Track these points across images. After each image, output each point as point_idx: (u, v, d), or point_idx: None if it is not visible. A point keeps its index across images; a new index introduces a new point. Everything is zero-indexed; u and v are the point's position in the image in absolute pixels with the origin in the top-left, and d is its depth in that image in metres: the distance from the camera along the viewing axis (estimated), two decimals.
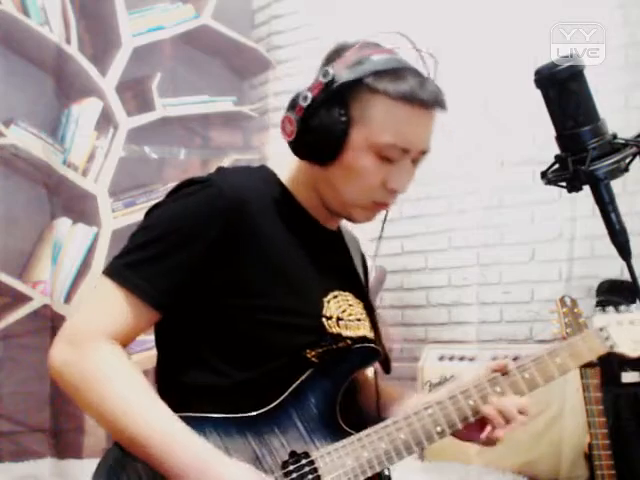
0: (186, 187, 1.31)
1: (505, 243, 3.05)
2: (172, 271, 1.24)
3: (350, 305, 1.36)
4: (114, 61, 3.06)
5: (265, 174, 1.38)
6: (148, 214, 1.33)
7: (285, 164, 1.38)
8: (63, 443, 2.86)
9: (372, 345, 1.36)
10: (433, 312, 3.13)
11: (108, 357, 1.22)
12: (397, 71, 1.28)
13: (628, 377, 2.54)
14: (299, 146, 1.30)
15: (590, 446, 2.34)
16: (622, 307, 1.55)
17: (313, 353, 1.29)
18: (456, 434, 1.34)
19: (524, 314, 2.99)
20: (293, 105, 1.29)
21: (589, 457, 2.37)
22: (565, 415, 2.72)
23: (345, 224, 1.46)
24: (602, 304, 1.61)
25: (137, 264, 1.25)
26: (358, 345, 1.33)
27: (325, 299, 1.32)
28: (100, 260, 2.95)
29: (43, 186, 2.96)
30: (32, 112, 2.94)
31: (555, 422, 2.74)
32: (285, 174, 1.38)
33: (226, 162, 3.22)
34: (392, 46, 1.32)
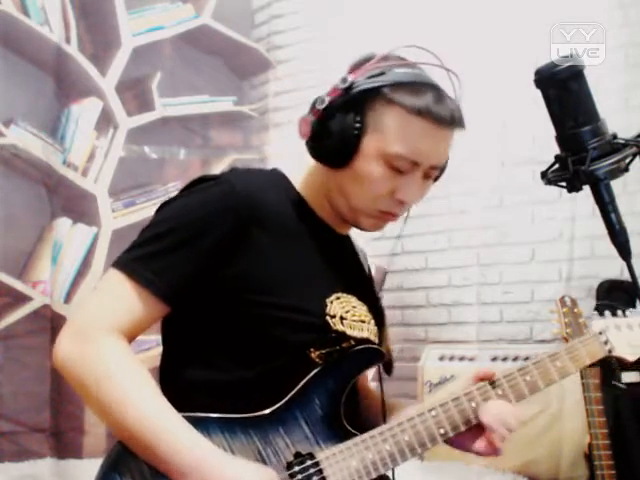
0: (198, 184, 1.32)
1: (505, 243, 3.05)
2: (181, 265, 1.25)
3: (354, 307, 1.36)
4: (114, 61, 3.06)
5: (277, 176, 1.41)
6: (159, 210, 1.33)
7: (297, 168, 1.40)
8: (63, 443, 2.86)
9: (376, 346, 1.36)
10: (433, 312, 3.13)
11: (114, 353, 1.22)
12: (416, 85, 1.30)
13: (628, 377, 2.54)
14: (313, 147, 1.33)
15: (590, 446, 2.34)
16: (619, 311, 1.55)
17: (317, 353, 1.29)
18: (456, 444, 1.34)
19: (524, 314, 2.99)
20: (311, 107, 1.33)
21: (589, 457, 2.37)
22: (565, 415, 2.72)
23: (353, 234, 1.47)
24: (599, 308, 1.61)
25: (147, 257, 1.25)
26: (362, 346, 1.33)
27: (328, 299, 1.32)
28: (100, 260, 2.96)
29: (43, 186, 2.96)
30: (32, 112, 2.94)
31: (555, 422, 2.74)
32: (297, 177, 1.40)
33: (226, 162, 3.22)
34: (416, 61, 1.34)
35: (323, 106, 1.31)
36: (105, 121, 3.06)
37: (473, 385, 1.35)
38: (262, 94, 3.36)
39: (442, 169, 1.38)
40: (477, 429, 1.33)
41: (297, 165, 1.42)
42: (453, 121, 1.31)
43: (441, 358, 3.01)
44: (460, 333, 3.05)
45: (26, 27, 2.92)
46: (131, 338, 1.26)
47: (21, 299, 2.88)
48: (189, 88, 3.22)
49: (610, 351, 1.48)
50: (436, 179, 1.39)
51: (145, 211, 3.06)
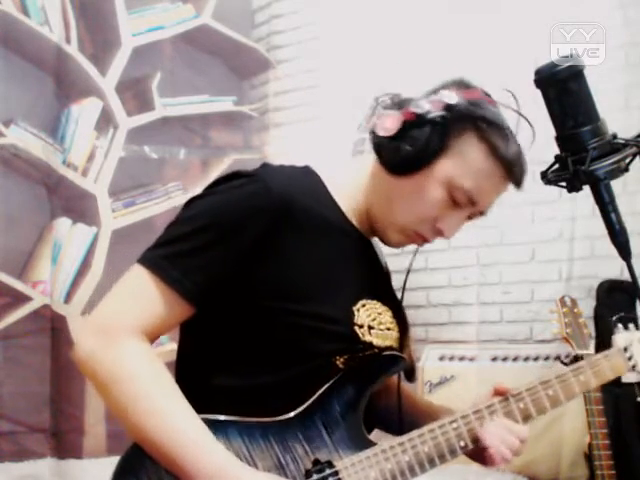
0: (230, 180, 1.28)
1: (505, 243, 3.04)
2: (210, 266, 1.22)
3: (379, 314, 1.35)
4: (114, 61, 3.06)
5: (309, 176, 1.37)
6: (188, 205, 1.29)
7: (332, 166, 1.37)
8: (63, 443, 2.85)
9: (397, 353, 1.35)
10: (433, 312, 3.12)
11: (137, 355, 1.19)
12: (507, 133, 1.29)
13: (628, 377, 2.54)
14: (385, 146, 1.29)
15: (590, 446, 2.34)
16: None
17: (341, 360, 1.27)
18: (474, 457, 1.35)
19: (524, 314, 2.98)
20: (401, 106, 1.29)
21: (589, 457, 2.37)
22: (565, 415, 2.71)
23: None
24: (623, 321, 1.61)
25: (175, 256, 1.21)
26: (384, 353, 1.32)
27: (355, 307, 1.30)
28: (100, 260, 2.95)
29: (43, 186, 2.95)
30: (32, 112, 2.94)
31: (555, 422, 2.74)
32: (331, 177, 1.37)
33: (226, 162, 3.22)
34: (503, 103, 1.34)
35: (420, 111, 1.27)
36: (105, 121, 3.06)
37: (495, 398, 1.34)
38: (262, 94, 3.36)
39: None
40: None
41: (345, 164, 1.40)
42: (520, 182, 1.33)
43: (441, 358, 3.01)
44: (460, 333, 3.05)
45: (26, 27, 2.92)
46: (153, 338, 1.23)
47: (21, 299, 2.88)
48: (189, 88, 3.21)
49: (634, 367, 1.48)
50: None
51: (145, 211, 3.06)
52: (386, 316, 1.36)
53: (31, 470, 2.80)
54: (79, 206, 3.02)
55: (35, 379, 2.83)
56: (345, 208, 1.36)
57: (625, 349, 1.48)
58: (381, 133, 1.29)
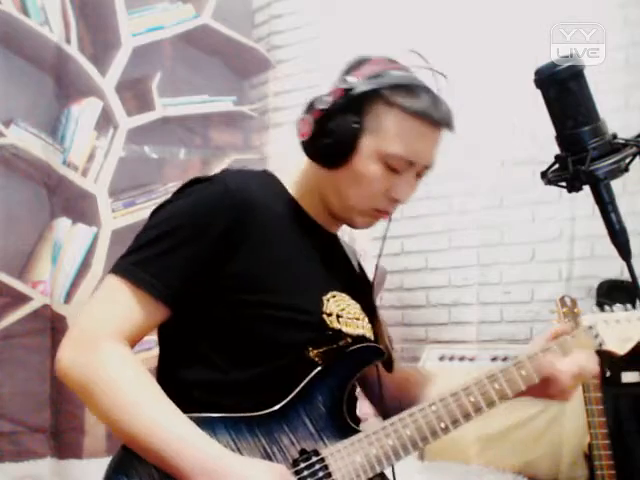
0: (190, 186, 1.34)
1: (505, 243, 3.05)
2: (180, 266, 1.25)
3: (348, 305, 1.38)
4: (114, 61, 3.06)
5: (268, 177, 1.43)
6: (153, 214, 1.34)
7: (287, 168, 1.42)
8: (63, 443, 2.86)
9: (375, 344, 1.38)
10: (433, 312, 3.13)
11: (116, 359, 1.22)
12: (413, 88, 1.33)
13: (628, 377, 2.55)
14: (311, 147, 1.35)
15: (590, 446, 2.34)
16: (606, 306, 1.58)
17: (315, 352, 1.30)
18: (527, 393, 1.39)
19: (524, 314, 2.99)
20: (310, 107, 1.34)
21: (589, 457, 2.37)
22: (565, 415, 2.72)
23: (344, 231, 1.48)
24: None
25: (145, 261, 1.25)
26: (362, 345, 1.35)
27: (324, 298, 1.34)
28: (100, 260, 2.95)
29: (43, 186, 2.96)
30: (32, 112, 2.94)
31: (555, 422, 2.74)
32: (287, 178, 1.42)
33: (226, 162, 3.23)
34: (407, 63, 1.37)
35: (324, 106, 1.32)
36: (105, 121, 3.06)
37: (471, 380, 1.36)
38: (262, 94, 3.36)
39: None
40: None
41: (297, 165, 1.43)
42: (448, 123, 1.35)
43: (441, 358, 3.01)
44: (460, 333, 3.06)
45: (26, 27, 2.92)
46: (133, 343, 1.26)
47: (21, 299, 2.88)
48: (189, 88, 3.22)
49: (600, 344, 1.50)
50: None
51: (145, 211, 3.06)
52: (354, 307, 1.40)
53: (31, 470, 2.81)
54: (79, 206, 3.02)
55: (35, 379, 2.83)
56: (305, 205, 1.40)
57: (590, 328, 1.51)
58: (301, 138, 1.35)
